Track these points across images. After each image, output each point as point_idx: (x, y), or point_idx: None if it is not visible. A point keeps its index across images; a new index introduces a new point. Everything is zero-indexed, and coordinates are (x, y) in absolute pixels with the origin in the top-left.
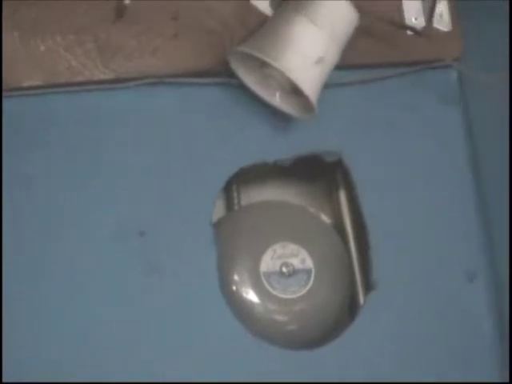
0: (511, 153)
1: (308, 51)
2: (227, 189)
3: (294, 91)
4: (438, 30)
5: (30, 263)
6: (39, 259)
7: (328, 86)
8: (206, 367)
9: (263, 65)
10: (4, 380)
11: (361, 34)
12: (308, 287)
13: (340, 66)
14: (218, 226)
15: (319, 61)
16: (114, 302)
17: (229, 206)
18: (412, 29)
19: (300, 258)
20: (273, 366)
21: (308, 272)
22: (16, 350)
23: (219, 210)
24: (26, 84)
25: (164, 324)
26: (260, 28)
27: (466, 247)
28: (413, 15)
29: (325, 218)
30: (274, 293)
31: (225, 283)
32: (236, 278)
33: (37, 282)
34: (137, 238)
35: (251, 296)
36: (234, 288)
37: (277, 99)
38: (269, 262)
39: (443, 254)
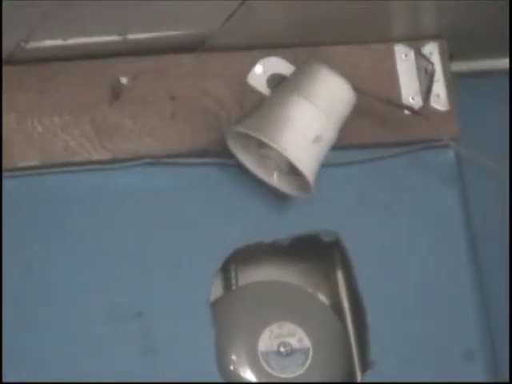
0: (510, 234)
1: (305, 130)
2: (225, 268)
3: (292, 171)
4: (435, 109)
5: (27, 345)
6: (37, 341)
7: (325, 165)
8: None
9: (261, 145)
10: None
11: (358, 113)
12: (306, 366)
13: (337, 146)
14: (215, 305)
15: (316, 140)
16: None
17: (227, 285)
18: (409, 108)
19: (297, 338)
20: None
21: (306, 351)
22: None
23: (217, 290)
24: (22, 164)
25: None
26: (257, 108)
27: (463, 326)
28: (410, 95)
29: (322, 298)
30: (272, 372)
31: (222, 363)
32: (234, 357)
33: (34, 361)
34: (134, 319)
35: (249, 376)
36: (232, 368)
37: (274, 179)
38: (266, 341)
39: (440, 333)
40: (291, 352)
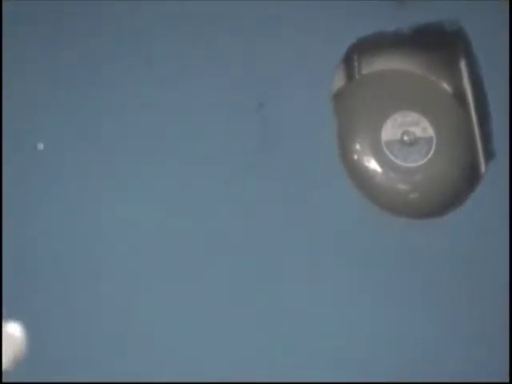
0: None
1: None
2: (347, 59)
3: None
4: None
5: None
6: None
7: None
8: (326, 240)
9: None
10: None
11: None
12: (429, 156)
13: None
14: (337, 96)
15: None
16: (232, 175)
17: (349, 76)
18: None
19: (421, 127)
20: (395, 236)
21: (429, 141)
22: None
23: (340, 81)
24: None
25: (281, 193)
26: None
27: None
28: None
29: (445, 87)
30: (396, 161)
31: (345, 153)
32: (357, 147)
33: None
34: (255, 110)
35: (373, 164)
36: (356, 157)
37: None
38: (390, 130)
39: None
40: (415, 141)
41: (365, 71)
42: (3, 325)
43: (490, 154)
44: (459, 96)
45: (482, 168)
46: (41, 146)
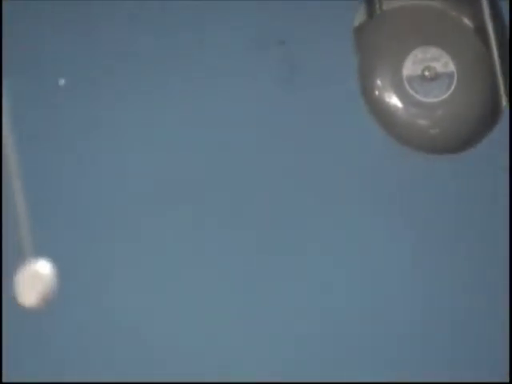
0: None
1: None
2: None
3: None
4: None
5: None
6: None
7: None
8: (347, 174)
9: None
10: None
11: None
12: (450, 91)
13: None
14: (358, 32)
15: None
16: (251, 109)
17: (370, 12)
18: None
19: (442, 62)
20: (416, 172)
21: (450, 76)
22: None
23: (361, 17)
24: None
25: (301, 129)
26: None
27: None
28: None
29: (467, 22)
30: (417, 97)
31: (367, 89)
32: (378, 83)
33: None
34: (276, 46)
35: (394, 100)
36: (377, 93)
37: None
38: (411, 66)
39: None
40: (436, 76)
41: (386, 7)
42: (33, 263)
43: (510, 90)
44: (480, 31)
45: (503, 103)
46: (62, 82)
